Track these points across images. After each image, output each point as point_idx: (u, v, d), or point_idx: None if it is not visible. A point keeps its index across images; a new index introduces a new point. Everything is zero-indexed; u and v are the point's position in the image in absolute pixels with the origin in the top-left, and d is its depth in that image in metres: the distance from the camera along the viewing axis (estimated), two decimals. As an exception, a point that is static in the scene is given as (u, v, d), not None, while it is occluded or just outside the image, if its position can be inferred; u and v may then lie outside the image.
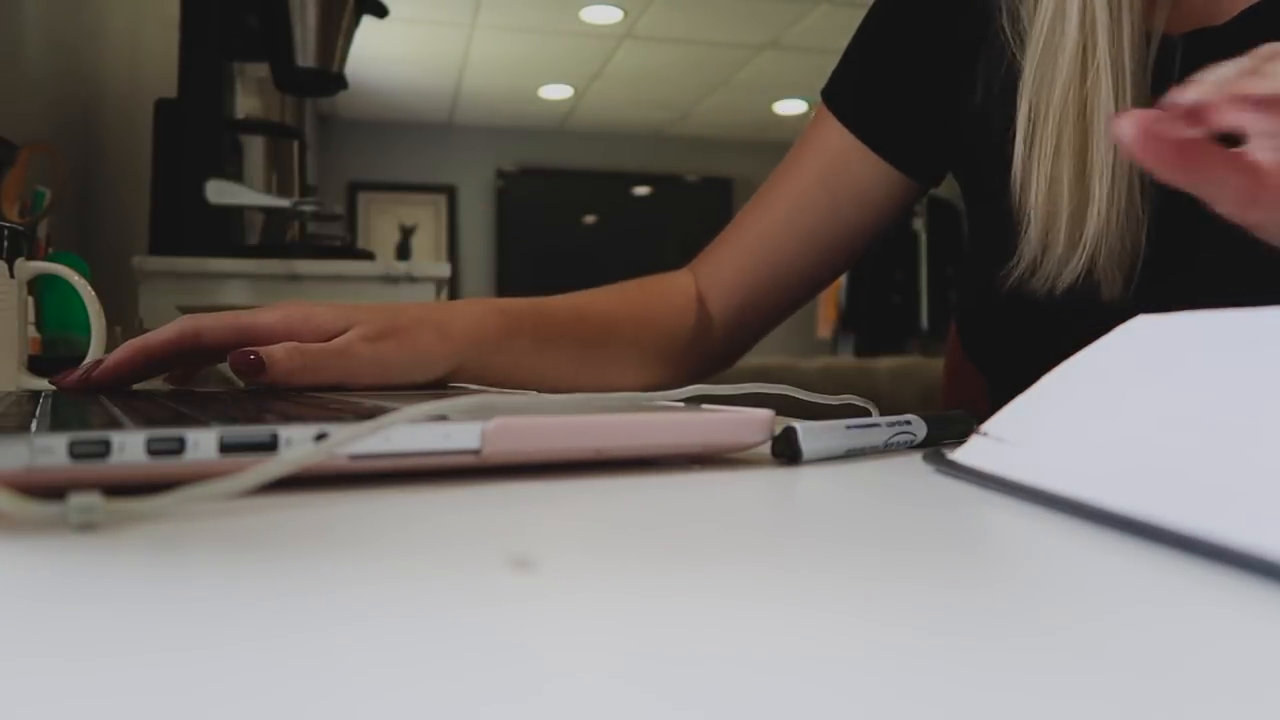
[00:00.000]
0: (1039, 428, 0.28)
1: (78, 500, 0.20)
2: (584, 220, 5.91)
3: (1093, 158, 0.52)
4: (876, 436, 0.36)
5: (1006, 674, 0.12)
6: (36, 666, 0.13)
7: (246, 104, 1.86)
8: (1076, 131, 0.52)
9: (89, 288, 0.65)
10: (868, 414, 0.43)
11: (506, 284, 5.78)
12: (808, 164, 0.68)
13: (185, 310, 0.63)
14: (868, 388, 2.82)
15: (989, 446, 0.29)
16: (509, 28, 4.08)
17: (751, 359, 0.77)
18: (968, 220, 0.66)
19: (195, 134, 1.55)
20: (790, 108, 5.24)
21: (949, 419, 0.39)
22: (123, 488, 0.23)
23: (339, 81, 1.65)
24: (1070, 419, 0.27)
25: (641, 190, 5.98)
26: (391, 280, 1.59)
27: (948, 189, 0.70)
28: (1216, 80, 0.36)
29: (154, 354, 0.50)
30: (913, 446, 0.37)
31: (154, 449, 0.24)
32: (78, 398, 0.45)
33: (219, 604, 0.16)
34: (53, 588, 0.17)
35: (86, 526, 0.21)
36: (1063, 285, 0.53)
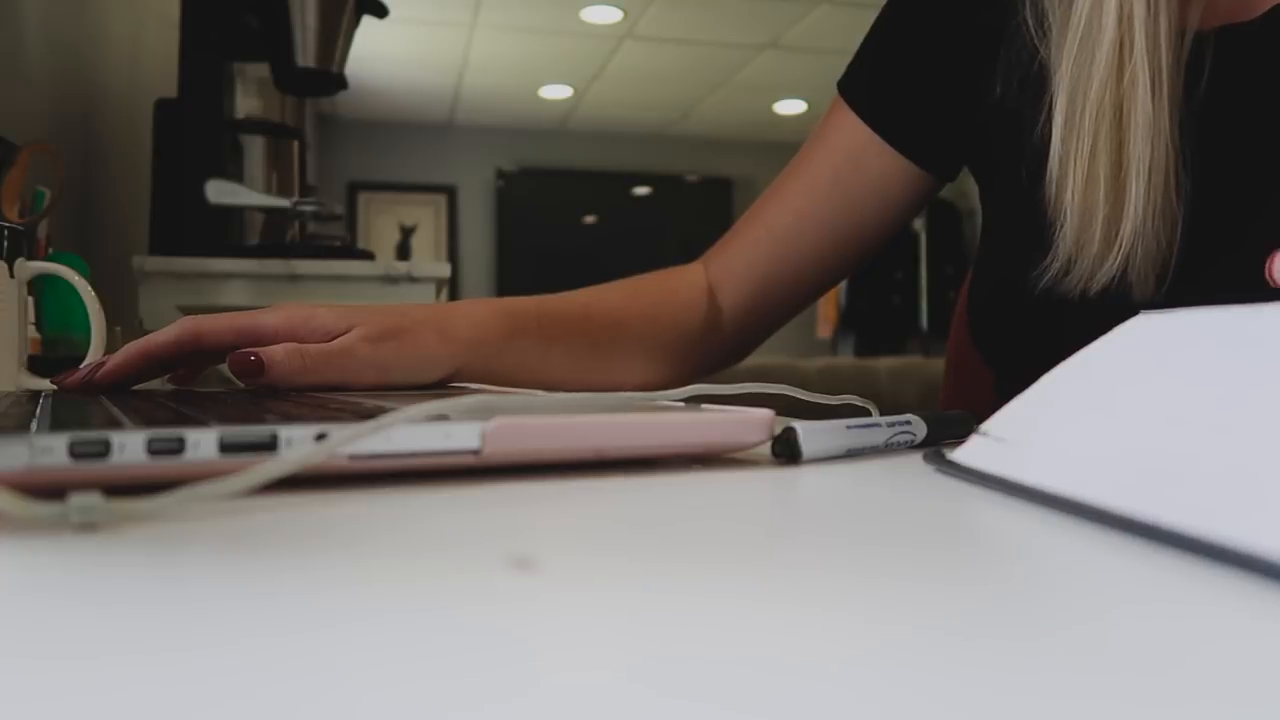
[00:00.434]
0: (1039, 427, 0.28)
1: (78, 500, 0.20)
2: (584, 220, 5.91)
3: (1129, 156, 0.51)
4: (876, 436, 0.36)
5: (1006, 673, 0.12)
6: (36, 666, 0.13)
7: (246, 104, 1.86)
8: (1113, 130, 0.52)
9: (89, 288, 0.65)
10: (868, 414, 0.43)
11: (506, 284, 5.78)
12: (822, 157, 0.67)
13: (185, 311, 0.63)
14: (868, 388, 2.83)
15: (989, 446, 0.29)
16: (509, 28, 4.08)
17: (751, 359, 0.77)
18: (985, 216, 0.65)
19: (195, 134, 1.54)
20: (790, 108, 5.24)
21: (949, 419, 0.39)
22: (123, 488, 0.23)
23: (339, 81, 1.65)
24: (1070, 419, 0.27)
25: (641, 190, 5.98)
26: (391, 280, 1.59)
27: (948, 189, 0.70)
28: None
29: (155, 355, 0.50)
30: (913, 446, 0.37)
31: (154, 449, 0.24)
32: (79, 398, 0.45)
33: (219, 604, 0.16)
34: (53, 588, 0.17)
35: (86, 526, 0.21)
36: (1098, 285, 0.52)
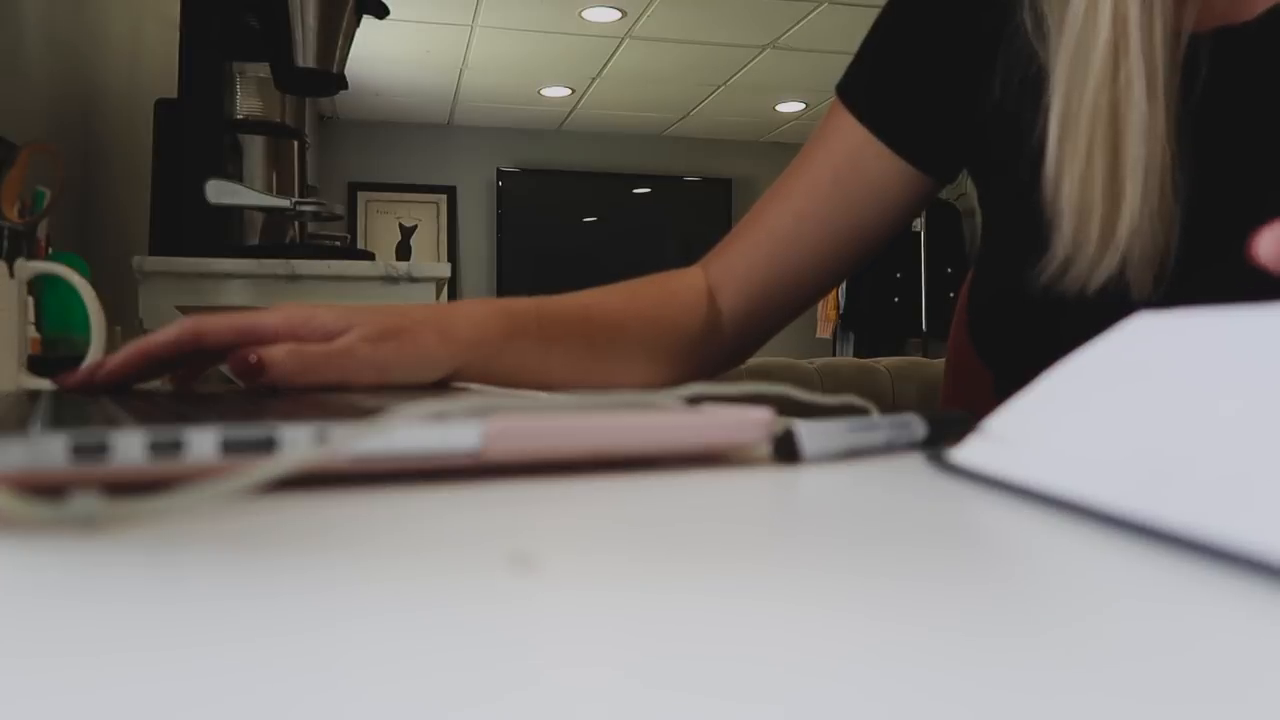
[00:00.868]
0: (1039, 427, 0.28)
1: (77, 500, 0.20)
2: (584, 220, 5.91)
3: (1125, 156, 0.51)
4: (877, 436, 0.36)
5: (1005, 673, 0.12)
6: (36, 666, 0.13)
7: (246, 104, 1.86)
8: (1109, 130, 0.52)
9: (89, 288, 0.65)
10: (868, 414, 0.43)
11: (506, 284, 5.78)
12: (822, 159, 0.68)
13: (185, 311, 0.62)
14: (868, 388, 2.83)
15: (989, 446, 0.29)
16: (509, 28, 4.08)
17: (751, 359, 0.77)
18: (984, 218, 0.66)
19: (195, 134, 1.54)
20: (790, 108, 5.24)
21: (949, 419, 0.39)
22: (123, 488, 0.23)
23: (339, 81, 1.65)
24: (1070, 418, 0.27)
25: (641, 190, 5.98)
26: (391, 280, 1.59)
27: (947, 189, 0.70)
28: None
29: (156, 355, 0.50)
30: (913, 446, 0.37)
31: (154, 449, 0.24)
32: (79, 398, 0.45)
33: (219, 603, 0.16)
34: (53, 587, 0.17)
35: (86, 526, 0.21)
36: (1095, 284, 0.52)
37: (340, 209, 1.75)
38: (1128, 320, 0.30)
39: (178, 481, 0.22)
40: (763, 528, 0.24)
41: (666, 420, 0.31)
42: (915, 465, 0.32)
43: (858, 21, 3.96)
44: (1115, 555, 0.19)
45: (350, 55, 1.66)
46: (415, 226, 5.69)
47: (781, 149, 5.73)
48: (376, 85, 4.73)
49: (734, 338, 0.71)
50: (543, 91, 5.03)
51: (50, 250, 1.11)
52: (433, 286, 1.65)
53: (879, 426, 0.36)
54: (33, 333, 0.86)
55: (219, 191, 1.51)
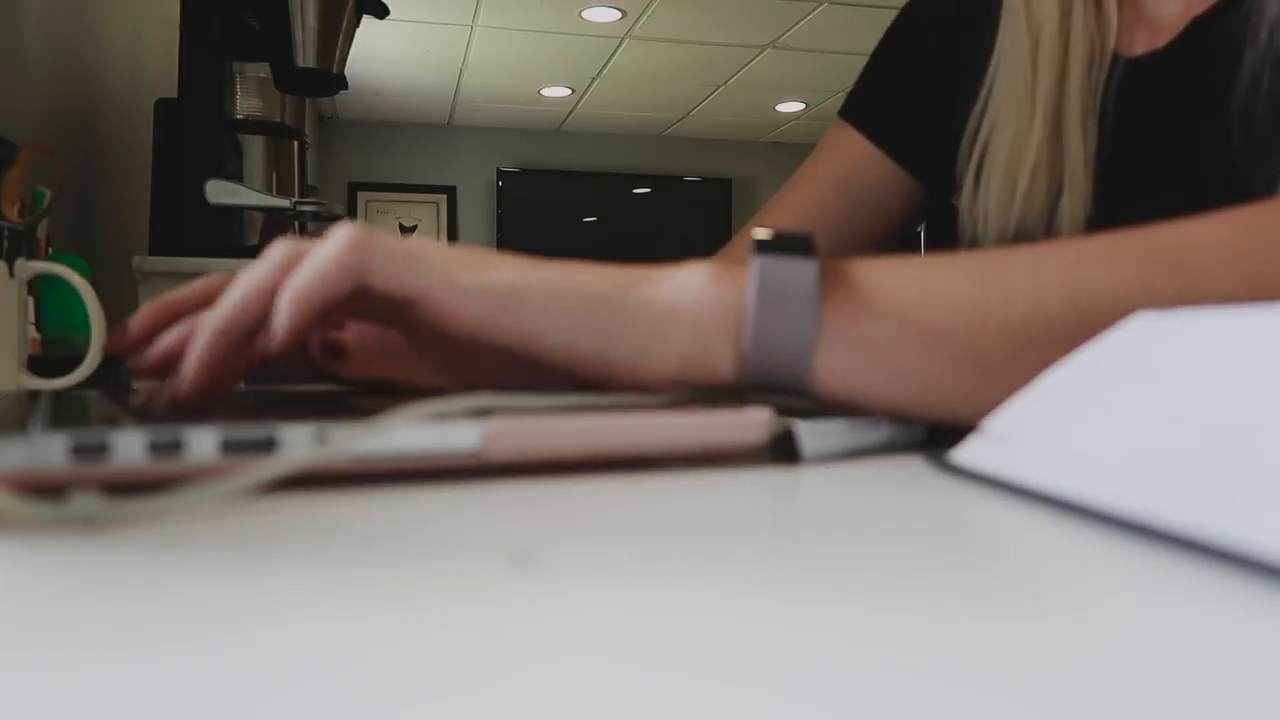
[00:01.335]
0: (1039, 427, 0.28)
1: (78, 500, 0.20)
2: (584, 220, 5.91)
3: (1026, 152, 0.56)
4: (877, 436, 0.36)
5: (1006, 673, 0.12)
6: (36, 666, 0.13)
7: (246, 104, 1.86)
8: (1017, 124, 0.57)
9: (89, 288, 0.65)
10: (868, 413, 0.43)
11: (506, 284, 5.75)
12: (826, 171, 0.70)
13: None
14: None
15: (989, 446, 0.29)
16: (509, 28, 4.08)
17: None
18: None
19: (195, 134, 1.54)
20: (790, 108, 5.23)
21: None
22: (123, 488, 0.23)
23: (339, 81, 1.65)
24: (1070, 418, 0.27)
25: (641, 190, 5.98)
26: (391, 280, 1.58)
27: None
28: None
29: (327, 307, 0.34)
30: (913, 446, 0.37)
31: (154, 449, 0.24)
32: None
33: (218, 603, 0.16)
34: (53, 587, 0.17)
35: (86, 526, 0.21)
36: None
37: (340, 209, 1.75)
38: (1128, 320, 0.30)
39: (178, 481, 0.22)
40: (762, 528, 0.24)
41: (666, 420, 0.31)
42: (915, 465, 0.32)
43: (858, 21, 3.96)
44: (1115, 555, 0.19)
45: (350, 55, 1.66)
46: (415, 226, 5.69)
47: (781, 149, 5.73)
48: (376, 85, 4.73)
49: None
50: (543, 91, 5.03)
51: (50, 250, 1.11)
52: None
53: (879, 426, 0.36)
54: (33, 333, 0.86)
55: (219, 191, 1.51)
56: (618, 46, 4.31)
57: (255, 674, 0.12)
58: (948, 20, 0.67)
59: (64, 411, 0.34)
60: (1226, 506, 0.18)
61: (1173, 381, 0.24)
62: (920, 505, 0.26)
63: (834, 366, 0.34)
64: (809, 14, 3.85)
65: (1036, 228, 0.57)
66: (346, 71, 1.67)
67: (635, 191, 5.99)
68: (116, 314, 0.51)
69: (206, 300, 0.37)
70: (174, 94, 1.57)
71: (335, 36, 1.61)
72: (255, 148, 1.75)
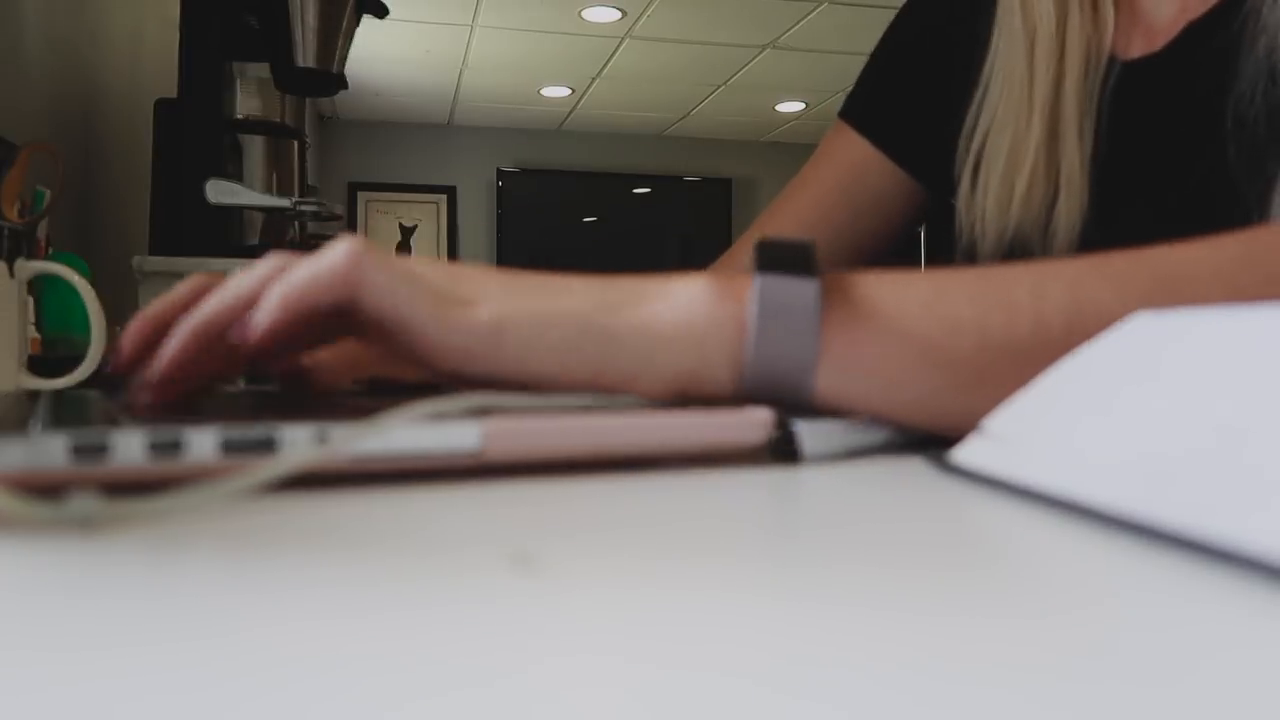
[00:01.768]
0: (1039, 427, 0.28)
1: (77, 500, 0.20)
2: (584, 220, 5.91)
3: (1024, 154, 0.57)
4: (877, 436, 0.36)
5: (1005, 672, 0.12)
6: (36, 666, 0.13)
7: (246, 104, 1.86)
8: (1014, 125, 0.57)
9: (89, 288, 0.65)
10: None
11: (506, 284, 5.75)
12: (827, 173, 0.71)
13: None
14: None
15: (989, 446, 0.29)
16: (509, 28, 4.08)
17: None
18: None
19: (195, 134, 1.54)
20: (790, 108, 5.24)
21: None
22: (123, 488, 0.23)
23: (339, 81, 1.65)
24: (1070, 418, 0.27)
25: (641, 190, 5.98)
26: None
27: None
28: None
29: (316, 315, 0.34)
30: (913, 446, 0.37)
31: (154, 449, 0.24)
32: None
33: (218, 603, 0.16)
34: (52, 587, 0.17)
35: (86, 526, 0.21)
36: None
37: (340, 209, 1.75)
38: (1127, 321, 0.30)
39: (178, 481, 0.22)
40: (763, 528, 0.24)
41: (666, 420, 0.31)
42: (915, 465, 0.32)
43: (858, 21, 3.96)
44: (1115, 555, 0.19)
45: (350, 55, 1.66)
46: (415, 226, 5.68)
47: (781, 149, 5.73)
48: (376, 85, 4.73)
49: None
50: (543, 91, 5.03)
51: (50, 250, 1.11)
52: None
53: (880, 426, 0.36)
54: (33, 333, 0.86)
55: (219, 191, 1.51)
56: (618, 46, 4.31)
57: (255, 673, 0.12)
58: (945, 21, 0.67)
59: (64, 411, 0.34)
60: (1226, 506, 0.18)
61: (1172, 382, 0.24)
62: (920, 505, 0.26)
63: (834, 383, 0.35)
64: (809, 14, 3.85)
65: (1034, 230, 0.57)
66: (346, 71, 1.67)
67: (635, 191, 5.99)
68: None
69: (193, 304, 0.38)
70: (174, 94, 1.57)
71: (335, 36, 1.61)
72: (255, 148, 1.75)
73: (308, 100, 2.31)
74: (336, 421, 0.26)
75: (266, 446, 0.25)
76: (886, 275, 0.37)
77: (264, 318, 0.32)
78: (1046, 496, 0.24)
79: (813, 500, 0.27)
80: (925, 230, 0.75)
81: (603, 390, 0.34)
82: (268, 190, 1.71)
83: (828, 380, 0.34)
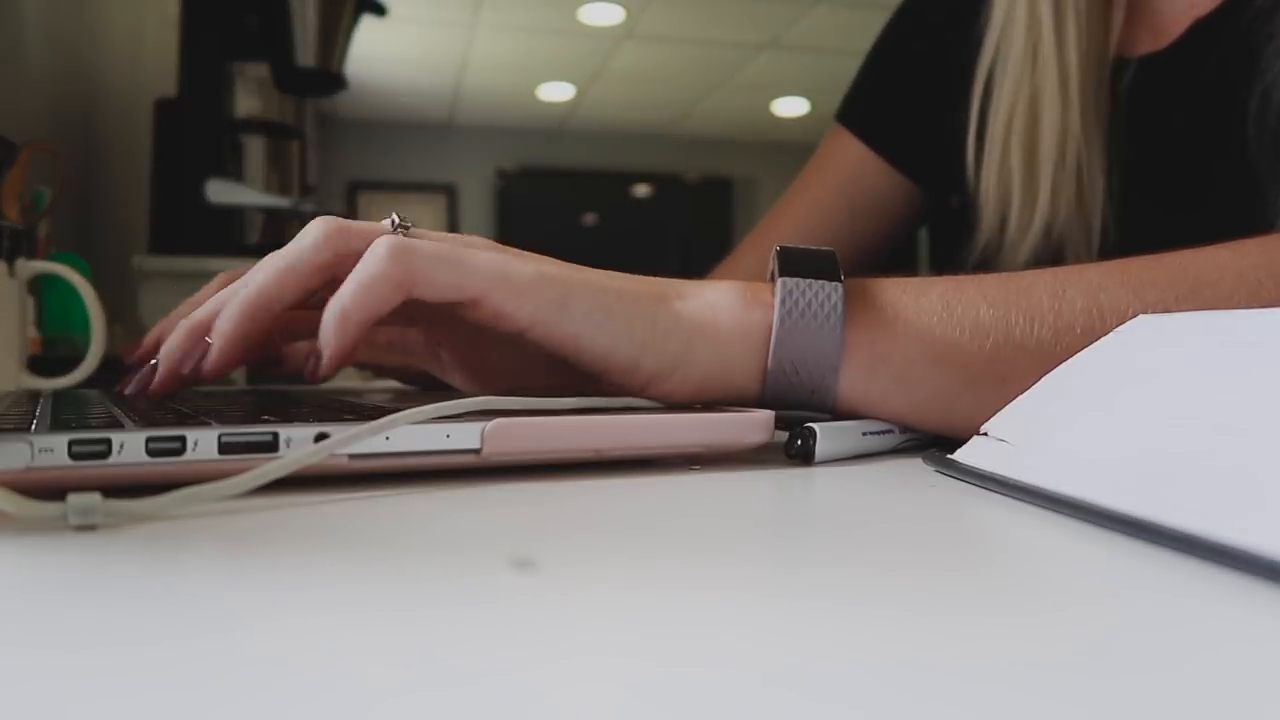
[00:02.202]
0: (1039, 428, 0.28)
1: (78, 500, 0.20)
2: (584, 220, 5.91)
3: (1039, 151, 0.57)
4: (887, 440, 0.36)
5: (1006, 672, 0.12)
6: (36, 666, 0.13)
7: (246, 104, 1.86)
8: (1025, 124, 0.57)
9: (89, 288, 0.65)
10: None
11: (506, 284, 5.75)
12: (825, 178, 0.71)
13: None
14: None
15: (989, 446, 0.29)
16: (509, 27, 4.08)
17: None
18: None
19: (195, 134, 1.54)
20: (790, 108, 5.23)
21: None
22: (123, 488, 0.23)
23: (339, 81, 1.65)
24: (1070, 419, 0.27)
25: (641, 190, 5.98)
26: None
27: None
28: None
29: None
30: (919, 446, 0.37)
31: (154, 449, 0.24)
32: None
33: (218, 603, 0.16)
34: (52, 587, 0.17)
35: (86, 526, 0.21)
36: (1022, 261, 0.58)
37: (340, 209, 1.75)
38: (1128, 322, 0.30)
39: (178, 482, 0.22)
40: (763, 528, 0.24)
41: (666, 420, 0.31)
42: (916, 465, 0.32)
43: (858, 21, 3.96)
44: (1115, 555, 0.19)
45: (350, 55, 1.66)
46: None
47: (781, 149, 5.73)
48: (376, 85, 4.73)
49: None
50: (543, 91, 5.03)
51: (50, 250, 1.11)
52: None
53: (892, 433, 0.36)
54: (33, 332, 0.86)
55: (219, 191, 1.51)
56: (618, 46, 4.31)
57: (255, 673, 0.12)
58: (940, 22, 0.67)
59: (64, 411, 0.34)
60: (1227, 506, 0.18)
61: (1173, 381, 0.24)
62: (921, 505, 0.26)
63: (856, 386, 0.35)
64: (809, 14, 3.85)
65: (1065, 227, 0.57)
66: (346, 71, 1.67)
67: (635, 191, 5.99)
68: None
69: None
70: (174, 94, 1.57)
71: (335, 36, 1.61)
72: (255, 148, 1.75)
73: (308, 100, 2.31)
74: (336, 421, 0.26)
75: (266, 446, 0.25)
76: (908, 280, 0.37)
77: (330, 352, 0.30)
78: (1047, 496, 0.24)
79: (815, 500, 0.27)
80: (927, 231, 0.75)
81: (635, 381, 0.34)
82: (268, 190, 1.71)
83: (850, 382, 0.35)
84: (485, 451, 0.28)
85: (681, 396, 0.35)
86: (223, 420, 0.27)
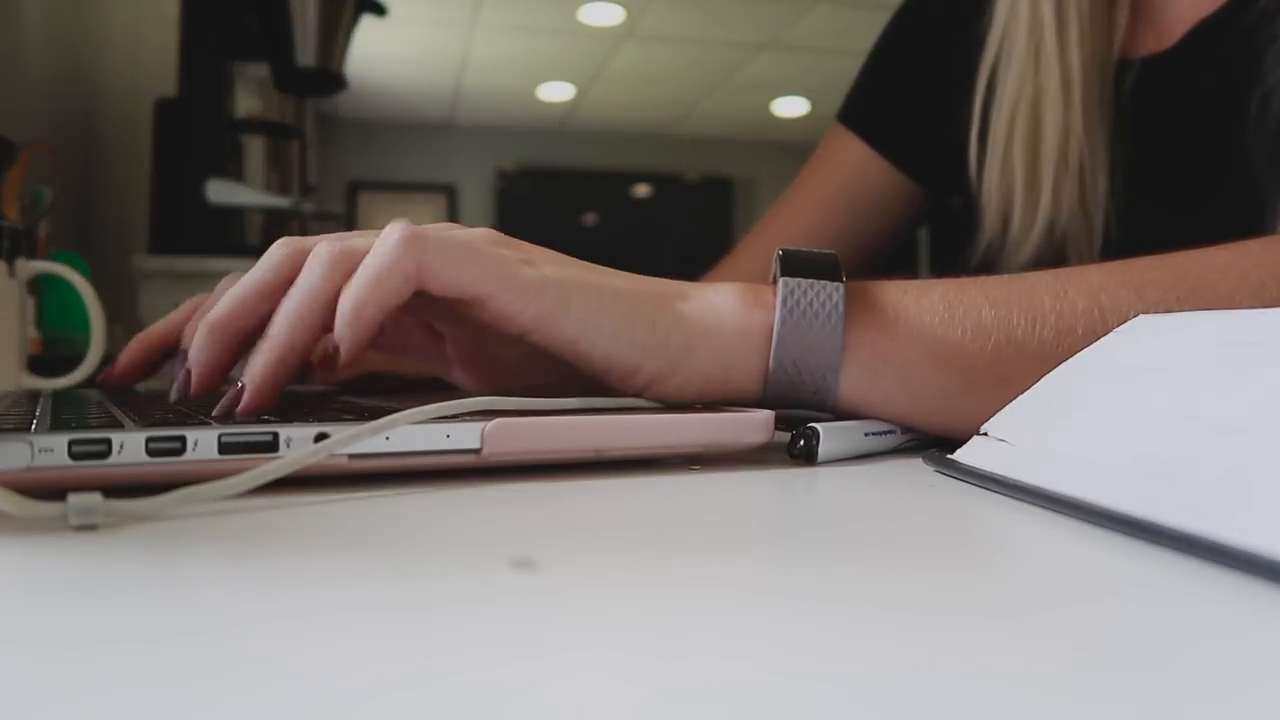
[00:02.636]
0: (1039, 428, 0.28)
1: (78, 500, 0.20)
2: (584, 220, 5.91)
3: (1041, 151, 0.57)
4: (889, 440, 0.36)
5: (1006, 671, 0.12)
6: (36, 665, 0.13)
7: (246, 104, 1.86)
8: (1028, 124, 0.57)
9: (89, 288, 0.65)
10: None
11: (506, 284, 5.74)
12: (826, 177, 0.71)
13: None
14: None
15: (989, 446, 0.29)
16: (509, 27, 4.08)
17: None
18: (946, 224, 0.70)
19: (195, 134, 1.54)
20: (790, 108, 5.23)
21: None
22: (123, 488, 0.23)
23: (339, 81, 1.65)
24: (1070, 419, 0.27)
25: (641, 190, 5.98)
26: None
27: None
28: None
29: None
30: (920, 446, 0.37)
31: (154, 449, 0.24)
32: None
33: (218, 603, 0.16)
34: (52, 587, 0.17)
35: (86, 526, 0.21)
36: (1024, 260, 0.58)
37: (340, 209, 1.76)
38: (1128, 322, 0.30)
39: (178, 482, 0.22)
40: (765, 527, 0.24)
41: (666, 420, 0.31)
42: (917, 465, 0.32)
43: (858, 21, 3.96)
44: (1115, 555, 0.19)
45: (350, 55, 1.66)
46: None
47: (781, 149, 5.73)
48: (376, 85, 4.73)
49: None
50: (543, 91, 5.03)
51: (50, 250, 1.11)
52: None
53: (894, 433, 0.36)
54: (33, 332, 0.86)
55: (219, 191, 1.51)
56: (618, 46, 4.31)
57: (255, 672, 0.12)
58: (942, 22, 0.67)
59: (64, 411, 0.34)
60: (1227, 506, 0.18)
61: (1173, 382, 0.24)
62: (922, 505, 0.26)
63: (857, 386, 0.35)
64: (809, 14, 3.85)
65: (1067, 226, 0.57)
66: (346, 71, 1.67)
67: (635, 191, 5.99)
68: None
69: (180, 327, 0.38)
70: (174, 94, 1.57)
71: (335, 36, 1.61)
72: (255, 148, 1.75)
73: (308, 100, 2.32)
74: (336, 421, 0.26)
75: (267, 447, 0.25)
76: (909, 282, 0.37)
77: (347, 346, 0.30)
78: (1047, 496, 0.24)
79: (814, 500, 0.27)
80: (928, 232, 0.75)
81: (635, 383, 0.34)
82: (268, 190, 1.71)
83: (851, 382, 0.35)
84: (485, 451, 0.28)
85: (683, 397, 0.35)
86: (223, 420, 0.27)
